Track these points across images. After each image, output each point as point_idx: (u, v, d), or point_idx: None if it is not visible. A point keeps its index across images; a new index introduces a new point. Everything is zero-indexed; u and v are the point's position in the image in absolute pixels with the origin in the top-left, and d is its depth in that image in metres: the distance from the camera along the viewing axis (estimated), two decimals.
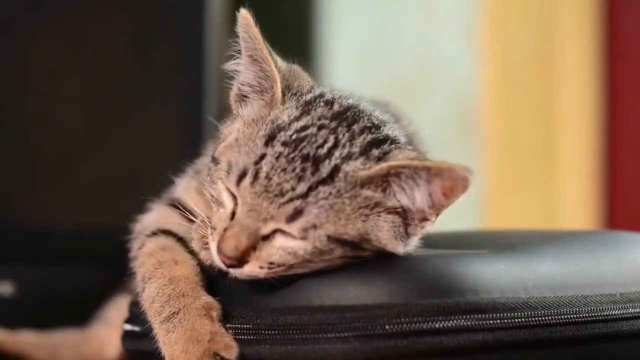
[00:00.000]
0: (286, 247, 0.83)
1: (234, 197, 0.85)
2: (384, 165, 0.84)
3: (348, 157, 0.84)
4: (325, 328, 0.83)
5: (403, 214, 0.86)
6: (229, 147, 0.88)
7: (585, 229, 2.14)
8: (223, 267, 0.85)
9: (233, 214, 0.85)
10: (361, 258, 0.85)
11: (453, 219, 2.30)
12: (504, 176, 2.25)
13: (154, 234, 0.96)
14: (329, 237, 0.83)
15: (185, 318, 0.86)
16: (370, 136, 0.87)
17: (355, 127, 0.87)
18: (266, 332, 0.85)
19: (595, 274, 0.92)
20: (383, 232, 0.85)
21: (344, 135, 0.86)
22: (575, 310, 0.87)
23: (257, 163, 0.84)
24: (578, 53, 2.33)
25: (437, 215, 0.86)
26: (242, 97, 0.92)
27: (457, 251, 0.91)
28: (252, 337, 0.85)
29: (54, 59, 1.54)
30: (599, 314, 0.89)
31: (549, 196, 2.30)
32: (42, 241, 1.51)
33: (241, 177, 0.84)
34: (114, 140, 1.55)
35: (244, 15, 0.89)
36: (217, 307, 0.87)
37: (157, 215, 0.99)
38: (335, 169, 0.83)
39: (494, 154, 2.23)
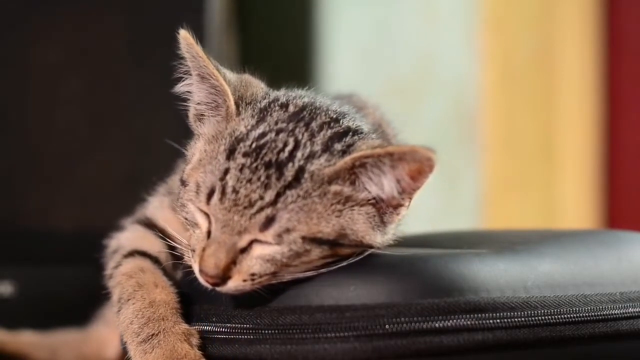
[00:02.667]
0: (264, 255, 0.83)
1: (207, 215, 0.85)
2: (347, 158, 0.84)
3: (311, 157, 0.84)
4: (325, 328, 0.83)
5: (376, 203, 0.86)
6: (195, 167, 0.88)
7: (585, 228, 2.14)
8: (209, 286, 0.85)
9: (209, 233, 0.85)
10: (341, 256, 0.85)
11: (453, 218, 2.30)
12: (504, 176, 2.25)
13: (131, 254, 0.96)
14: (304, 238, 0.83)
15: (165, 340, 0.86)
16: (330, 131, 0.87)
17: (314, 124, 0.87)
18: (266, 331, 0.85)
19: (595, 273, 0.92)
20: (359, 225, 0.85)
21: (303, 135, 0.86)
22: (575, 310, 0.88)
23: (222, 179, 0.83)
24: (578, 53, 2.33)
25: (410, 199, 0.86)
26: (200, 116, 0.92)
27: (457, 251, 0.91)
28: (252, 337, 0.85)
29: (54, 59, 1.54)
30: (598, 313, 0.89)
31: (549, 196, 2.30)
32: (42, 241, 1.51)
33: (210, 195, 0.84)
34: (114, 141, 1.56)
35: (184, 36, 0.89)
36: (197, 335, 0.87)
37: (131, 234, 0.99)
38: (300, 171, 0.83)
39: (494, 154, 2.23)
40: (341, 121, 0.89)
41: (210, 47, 1.57)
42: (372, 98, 1.07)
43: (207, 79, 0.89)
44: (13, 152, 1.54)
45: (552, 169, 2.30)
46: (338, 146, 0.85)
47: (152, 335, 0.86)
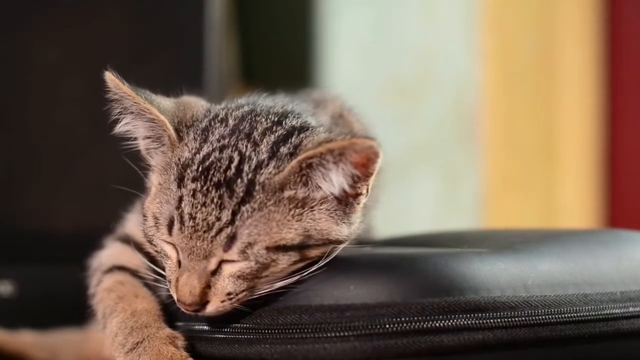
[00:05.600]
0: (234, 273, 0.83)
1: (174, 245, 0.85)
2: (293, 162, 0.83)
3: (258, 167, 0.84)
4: (325, 327, 0.83)
5: (334, 199, 0.85)
6: (152, 200, 0.88)
7: (585, 227, 2.14)
8: (192, 313, 0.85)
9: (179, 262, 0.85)
10: (313, 259, 0.85)
11: (453, 218, 2.30)
12: (504, 176, 2.25)
13: (110, 270, 0.96)
14: (268, 248, 0.83)
15: (150, 345, 0.86)
16: (273, 136, 0.86)
17: (255, 133, 0.86)
18: (266, 331, 0.85)
19: (596, 273, 0.92)
20: (322, 223, 0.85)
21: (246, 147, 0.85)
22: (576, 309, 0.87)
23: (178, 207, 0.84)
24: (578, 53, 2.33)
25: (367, 186, 0.86)
26: (149, 150, 0.92)
27: (458, 250, 0.91)
28: (252, 337, 0.85)
29: (54, 59, 1.54)
30: (599, 312, 0.89)
31: (549, 196, 2.30)
32: (42, 241, 1.51)
33: (170, 226, 0.84)
34: (113, 141, 1.55)
35: (110, 78, 0.88)
36: (182, 338, 0.88)
37: (111, 251, 0.99)
38: (250, 184, 0.83)
39: (494, 154, 2.23)
40: (284, 122, 0.88)
41: (210, 47, 1.57)
42: (331, 92, 1.06)
43: (142, 115, 0.89)
44: (13, 152, 1.54)
45: (552, 168, 2.30)
46: (284, 149, 0.85)
47: (137, 343, 0.87)
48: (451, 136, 2.22)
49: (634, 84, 2.39)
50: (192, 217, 0.83)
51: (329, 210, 0.85)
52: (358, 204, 0.87)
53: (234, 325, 0.86)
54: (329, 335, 0.83)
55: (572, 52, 2.32)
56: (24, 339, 1.29)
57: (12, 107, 1.54)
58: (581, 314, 0.88)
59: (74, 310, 1.25)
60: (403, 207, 2.21)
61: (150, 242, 0.88)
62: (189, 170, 0.85)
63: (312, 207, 0.85)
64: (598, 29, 2.36)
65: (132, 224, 1.00)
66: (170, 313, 0.91)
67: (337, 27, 2.25)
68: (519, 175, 2.28)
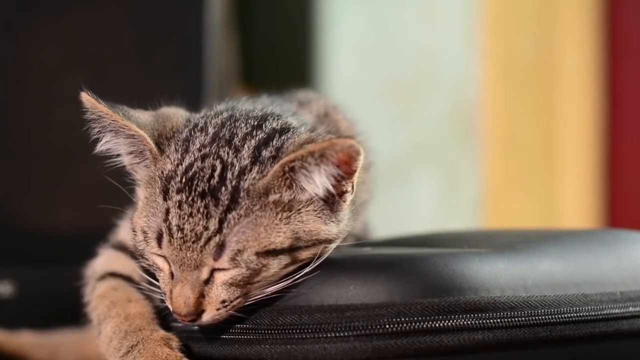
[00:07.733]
0: (226, 281, 0.83)
1: (165, 257, 0.85)
2: (276, 167, 0.83)
3: (241, 173, 0.84)
4: (325, 327, 0.83)
5: (320, 199, 0.85)
6: (139, 214, 0.88)
7: (585, 227, 2.14)
8: (188, 324, 0.85)
9: (172, 274, 0.85)
10: (305, 261, 0.85)
11: (453, 218, 2.30)
12: (504, 176, 2.25)
13: (103, 277, 0.96)
14: (258, 254, 0.82)
15: (145, 348, 0.86)
16: (254, 140, 0.86)
17: (236, 140, 0.86)
18: (266, 331, 0.85)
19: (596, 273, 0.92)
20: (310, 224, 0.85)
21: (228, 154, 0.85)
22: (575, 309, 0.87)
23: (166, 220, 0.84)
24: (578, 52, 2.34)
25: (352, 183, 0.86)
26: (133, 165, 0.91)
27: (457, 250, 0.91)
28: (252, 337, 0.85)
29: (54, 59, 1.54)
30: (599, 312, 0.89)
31: (549, 196, 2.30)
32: (42, 241, 1.51)
33: (159, 239, 0.84)
34: None
35: (86, 99, 0.88)
36: (176, 339, 0.88)
37: (104, 259, 0.99)
38: (235, 191, 0.83)
39: (494, 154, 2.24)
40: (264, 125, 0.88)
41: (210, 47, 1.57)
42: (315, 92, 1.06)
43: (121, 132, 0.88)
44: (13, 152, 1.54)
45: (552, 168, 2.30)
46: (266, 153, 0.85)
47: (132, 346, 0.87)
48: (451, 136, 2.23)
49: (633, 84, 2.39)
50: (180, 229, 0.83)
51: (315, 210, 0.85)
52: (344, 201, 0.86)
53: (233, 325, 0.86)
54: (328, 335, 0.83)
55: (572, 52, 2.32)
56: (23, 339, 1.29)
57: (12, 107, 1.54)
58: (581, 314, 0.88)
59: (74, 310, 1.25)
60: (403, 207, 2.21)
61: (141, 256, 0.88)
62: (173, 182, 0.84)
63: (298, 210, 0.84)
64: (598, 29, 2.37)
65: (125, 231, 1.00)
66: (168, 315, 0.91)
67: (337, 27, 2.25)
68: (519, 175, 2.28)
